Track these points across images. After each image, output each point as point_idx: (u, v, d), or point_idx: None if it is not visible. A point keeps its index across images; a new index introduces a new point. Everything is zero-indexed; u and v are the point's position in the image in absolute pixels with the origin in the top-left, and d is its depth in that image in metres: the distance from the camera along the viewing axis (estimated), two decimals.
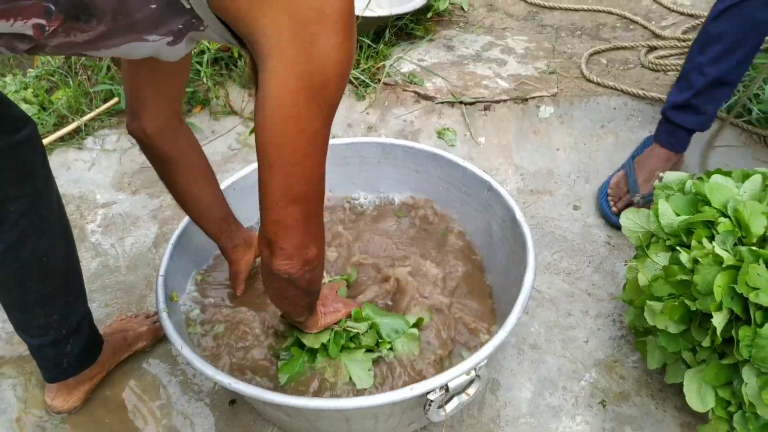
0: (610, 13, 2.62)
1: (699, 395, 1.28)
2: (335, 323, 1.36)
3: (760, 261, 1.20)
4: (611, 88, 2.14)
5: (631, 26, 2.57)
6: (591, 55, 2.37)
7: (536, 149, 2.07)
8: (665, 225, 1.38)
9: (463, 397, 1.30)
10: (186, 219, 1.53)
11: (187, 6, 0.82)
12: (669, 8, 2.66)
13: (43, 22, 0.76)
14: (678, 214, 1.39)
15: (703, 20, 2.53)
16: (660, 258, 1.36)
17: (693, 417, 1.43)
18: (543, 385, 1.52)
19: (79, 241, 1.87)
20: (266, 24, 0.81)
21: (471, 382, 1.28)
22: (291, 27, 0.81)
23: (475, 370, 1.23)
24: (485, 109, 2.11)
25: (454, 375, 1.20)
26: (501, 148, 2.07)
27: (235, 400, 1.51)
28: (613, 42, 2.45)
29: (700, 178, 1.44)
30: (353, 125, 2.14)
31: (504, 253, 1.57)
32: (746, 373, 1.18)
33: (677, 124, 1.79)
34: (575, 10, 2.66)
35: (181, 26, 0.86)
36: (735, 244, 1.27)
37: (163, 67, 1.10)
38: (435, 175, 1.68)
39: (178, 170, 1.31)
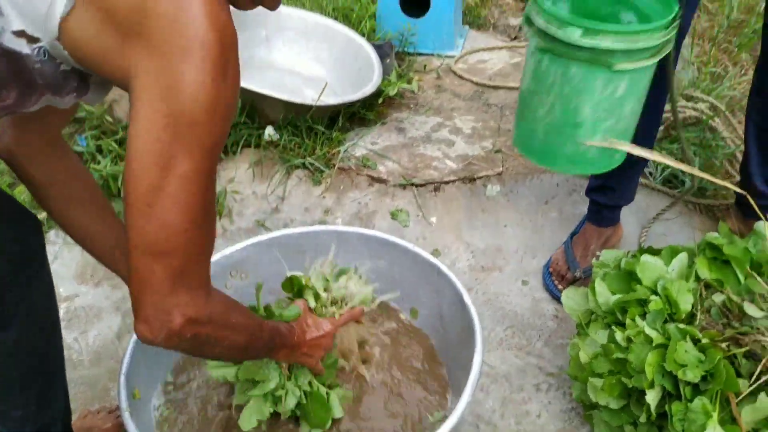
0: None
1: None
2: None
3: (687, 338, 1.29)
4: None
5: None
6: None
7: (485, 226, 2.17)
8: (602, 303, 1.47)
9: None
10: None
11: (68, 68, 0.88)
12: None
13: None
14: (613, 293, 1.48)
15: None
16: (599, 336, 1.44)
17: None
18: None
19: None
20: (129, 69, 0.81)
21: None
22: (156, 65, 0.79)
23: None
24: (435, 189, 2.21)
25: None
26: (452, 226, 2.17)
27: None
28: None
29: (634, 256, 1.54)
30: (310, 209, 2.21)
31: (455, 334, 1.63)
32: None
33: (599, 203, 1.93)
34: (518, 88, 2.81)
35: (75, 84, 0.92)
36: (665, 322, 1.36)
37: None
38: (388, 260, 1.75)
39: (50, 194, 1.22)
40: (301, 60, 2.82)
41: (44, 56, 0.85)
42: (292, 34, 2.83)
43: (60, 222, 1.27)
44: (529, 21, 1.50)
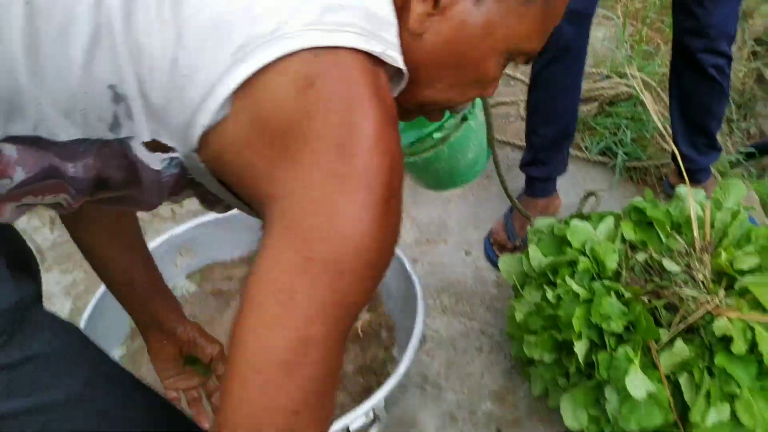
0: None
1: (574, 415, 1.43)
2: None
3: (611, 293, 1.38)
4: (495, 140, 2.34)
5: (512, 82, 2.82)
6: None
7: (430, 201, 2.24)
8: (535, 266, 1.56)
9: None
10: (98, 293, 1.59)
11: (191, 178, 0.71)
12: None
13: (67, 196, 0.70)
14: (546, 256, 1.57)
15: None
16: (532, 296, 1.53)
17: None
18: (444, 420, 1.65)
19: None
20: (276, 191, 0.61)
21: (372, 422, 1.40)
22: (305, 194, 0.60)
23: (373, 411, 1.34)
24: None
25: (354, 417, 1.31)
26: None
27: None
28: (496, 98, 2.67)
29: (566, 222, 1.63)
30: None
31: (401, 302, 1.70)
32: (608, 391, 1.34)
33: (532, 176, 2.02)
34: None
35: (192, 192, 0.77)
36: (592, 279, 1.45)
37: None
38: None
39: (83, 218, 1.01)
40: None
41: (176, 168, 0.68)
42: None
43: (81, 242, 1.05)
44: None
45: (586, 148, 2.38)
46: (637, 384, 1.25)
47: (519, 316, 1.53)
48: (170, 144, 0.65)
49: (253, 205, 0.68)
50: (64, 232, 1.20)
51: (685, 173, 1.63)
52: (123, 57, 0.61)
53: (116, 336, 1.66)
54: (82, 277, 2.01)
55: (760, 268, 1.39)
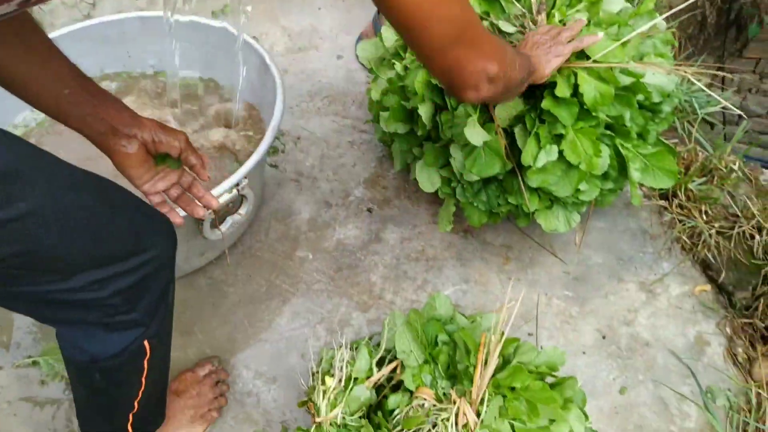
0: None
1: (428, 179, 1.54)
2: None
3: None
4: None
5: None
6: None
7: (300, 10, 2.22)
8: (389, 47, 1.60)
9: (237, 216, 1.49)
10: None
11: None
12: None
13: None
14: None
15: None
16: (386, 75, 1.58)
17: (438, 205, 1.71)
18: (319, 206, 1.75)
19: None
20: None
21: (240, 202, 1.47)
22: None
23: (237, 189, 1.41)
24: None
25: (217, 194, 1.37)
26: (267, 13, 2.20)
27: None
28: None
29: None
30: (124, 11, 2.16)
31: (270, 96, 1.72)
32: (453, 149, 1.44)
33: None
34: None
35: None
36: None
37: None
38: (193, 39, 1.78)
39: None
40: None
41: None
42: None
43: None
44: None
45: None
46: (475, 134, 1.34)
47: (375, 95, 1.59)
48: None
49: None
50: None
51: None
52: None
53: None
54: None
55: (589, 24, 1.47)
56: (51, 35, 1.66)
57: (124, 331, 0.98)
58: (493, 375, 1.17)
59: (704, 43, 4.33)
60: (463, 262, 1.64)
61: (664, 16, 1.48)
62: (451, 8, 0.86)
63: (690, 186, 1.67)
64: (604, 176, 1.46)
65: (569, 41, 1.33)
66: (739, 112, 1.61)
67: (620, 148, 1.44)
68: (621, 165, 1.45)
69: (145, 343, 1.00)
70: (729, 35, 4.08)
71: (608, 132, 1.43)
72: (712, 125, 2.15)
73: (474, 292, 1.58)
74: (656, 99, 1.47)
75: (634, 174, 1.42)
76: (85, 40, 1.75)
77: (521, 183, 1.42)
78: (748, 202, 1.62)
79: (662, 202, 1.69)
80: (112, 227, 0.90)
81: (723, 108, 1.95)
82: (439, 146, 1.49)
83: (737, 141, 1.81)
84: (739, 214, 1.62)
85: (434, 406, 1.18)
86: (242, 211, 1.48)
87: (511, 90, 1.09)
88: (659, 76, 1.47)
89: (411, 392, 1.22)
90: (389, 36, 1.61)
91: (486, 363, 1.16)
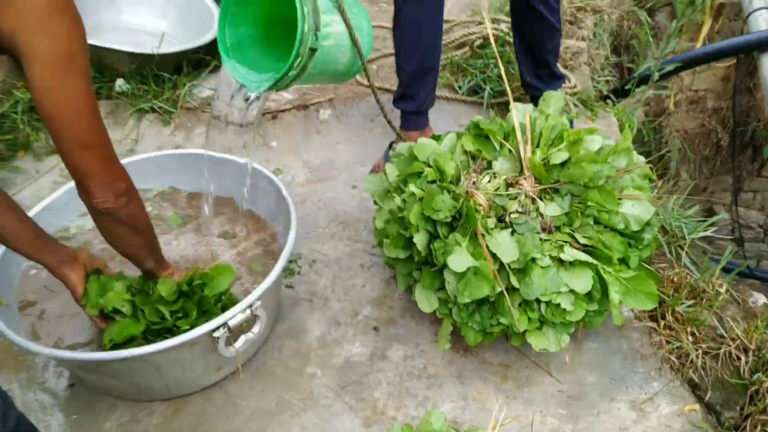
0: (383, 26, 3.04)
1: (426, 300, 1.67)
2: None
3: (444, 191, 1.61)
4: (378, 88, 2.56)
5: None
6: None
7: (320, 146, 2.45)
8: (392, 181, 1.78)
9: (250, 335, 1.62)
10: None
11: None
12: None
13: None
14: (400, 172, 1.79)
15: (456, 25, 3.03)
16: (389, 206, 1.75)
17: (440, 324, 1.82)
18: (329, 325, 1.87)
19: None
20: (15, 28, 1.08)
21: (254, 321, 1.61)
22: (35, 24, 1.08)
23: (251, 309, 1.55)
24: (273, 118, 2.47)
25: (232, 314, 1.52)
26: (291, 148, 2.43)
27: (74, 383, 1.75)
28: (383, 51, 2.88)
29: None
30: (163, 147, 2.42)
31: (284, 222, 1.89)
32: (447, 274, 1.57)
33: (404, 111, 2.24)
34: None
35: None
36: (433, 183, 1.68)
37: None
38: (224, 173, 2.00)
39: None
40: (148, 19, 2.98)
41: None
42: None
43: None
44: None
45: (459, 88, 2.61)
46: (459, 261, 1.48)
47: (380, 224, 1.76)
48: None
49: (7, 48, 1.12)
50: None
51: (531, 99, 1.87)
52: None
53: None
54: None
55: (569, 161, 1.64)
56: None
57: None
58: None
59: (721, 163, 4.48)
60: (463, 380, 1.72)
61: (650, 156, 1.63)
62: (88, 121, 1.18)
63: (678, 308, 1.76)
64: (589, 297, 1.57)
65: None
66: (726, 237, 1.73)
67: (602, 272, 1.56)
68: (604, 288, 1.56)
69: None
70: (745, 155, 4.24)
71: (591, 258, 1.56)
72: (706, 247, 2.25)
73: (472, 409, 1.65)
74: (635, 228, 1.60)
75: (614, 296, 1.53)
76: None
77: (509, 305, 1.54)
78: (733, 324, 1.69)
79: (652, 324, 1.77)
80: None
81: (714, 233, 2.06)
82: (435, 271, 1.62)
83: (726, 262, 1.90)
84: (726, 335, 1.70)
85: None
86: (255, 329, 1.62)
87: (139, 226, 1.42)
88: (636, 206, 1.61)
89: None
90: (392, 171, 1.79)
91: None
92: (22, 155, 2.46)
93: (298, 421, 1.64)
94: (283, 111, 2.49)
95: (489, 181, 1.69)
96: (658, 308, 1.79)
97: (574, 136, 1.67)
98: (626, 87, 2.84)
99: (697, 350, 1.67)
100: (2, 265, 1.71)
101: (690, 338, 1.70)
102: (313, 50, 1.64)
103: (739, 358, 1.65)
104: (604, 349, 1.77)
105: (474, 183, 1.69)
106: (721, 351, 1.66)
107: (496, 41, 2.70)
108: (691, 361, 1.66)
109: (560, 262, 1.56)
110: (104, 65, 2.56)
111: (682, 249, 1.94)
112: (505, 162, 1.71)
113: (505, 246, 1.56)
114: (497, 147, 1.75)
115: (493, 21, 2.83)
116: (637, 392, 1.66)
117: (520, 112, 1.75)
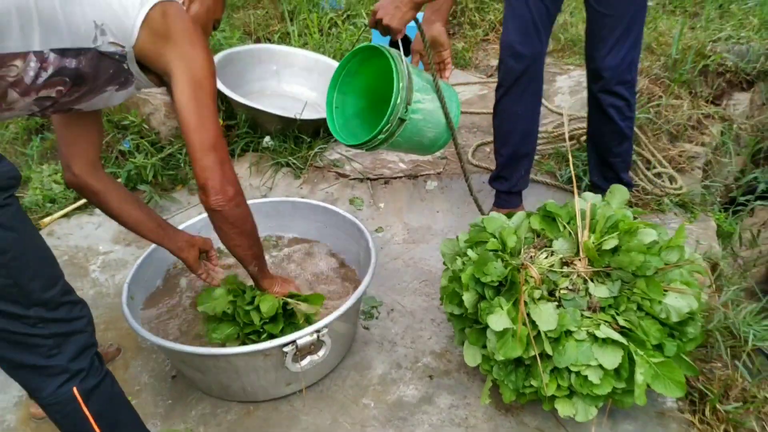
0: None
1: (472, 356, 1.84)
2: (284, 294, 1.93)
3: (498, 260, 1.80)
4: (483, 168, 2.80)
5: None
6: (478, 145, 3.05)
7: (421, 211, 2.72)
8: (461, 246, 2.00)
9: (315, 357, 1.88)
10: (146, 252, 2.19)
11: (126, 67, 1.47)
12: (551, 110, 3.37)
13: (62, 88, 1.38)
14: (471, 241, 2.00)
15: (573, 119, 3.22)
16: (454, 267, 1.96)
17: None
18: (391, 366, 2.08)
19: (82, 276, 2.54)
20: (169, 58, 1.46)
21: (320, 345, 1.87)
22: (181, 55, 1.45)
23: (318, 333, 1.81)
24: (385, 183, 2.78)
25: (301, 335, 1.79)
26: (395, 211, 2.72)
27: (175, 375, 2.11)
28: (482, 138, 3.13)
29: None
30: (290, 196, 2.82)
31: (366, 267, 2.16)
32: (488, 333, 1.75)
33: (498, 190, 2.45)
34: (477, 113, 3.38)
35: (123, 78, 1.49)
36: (494, 251, 1.87)
37: (85, 125, 1.71)
38: (326, 222, 2.32)
39: (103, 200, 1.81)
40: (302, 89, 3.47)
41: (120, 58, 1.44)
42: (297, 68, 3.49)
43: (114, 217, 1.87)
44: None
45: (561, 176, 2.78)
46: (497, 321, 1.66)
47: (444, 282, 1.97)
48: (121, 43, 1.42)
49: (151, 77, 1.53)
50: None
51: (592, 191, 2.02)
52: (99, 7, 1.37)
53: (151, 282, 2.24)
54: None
55: (618, 247, 1.77)
56: None
57: (52, 377, 1.35)
58: None
59: None
60: None
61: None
62: (213, 128, 1.49)
63: (719, 407, 1.78)
64: (617, 375, 1.66)
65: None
66: None
67: (633, 353, 1.65)
68: (633, 369, 1.65)
69: (75, 390, 1.37)
70: None
71: (624, 339, 1.67)
72: None
73: None
74: (675, 318, 1.69)
75: (639, 377, 1.62)
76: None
77: (539, 369, 1.68)
78: None
79: (691, 417, 1.80)
80: (57, 280, 1.36)
81: None
82: (480, 329, 1.80)
83: None
84: None
85: None
86: (320, 353, 1.87)
87: (246, 229, 1.69)
88: (680, 299, 1.70)
89: None
90: (463, 238, 2.01)
91: None
92: (179, 189, 2.97)
93: None
94: (395, 178, 2.79)
95: (546, 258, 1.86)
96: (699, 403, 1.82)
97: (627, 227, 1.80)
98: (731, 195, 2.84)
99: None
100: (141, 270, 2.13)
101: None
102: (402, 120, 1.92)
103: None
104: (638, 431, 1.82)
105: (531, 257, 1.86)
106: None
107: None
108: None
109: (595, 338, 1.68)
110: (257, 123, 3.04)
111: (741, 352, 1.95)
112: (564, 243, 1.87)
113: (546, 316, 1.70)
114: (561, 228, 1.92)
115: None
116: None
117: (587, 201, 1.92)
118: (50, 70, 1.32)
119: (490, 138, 3.08)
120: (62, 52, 1.32)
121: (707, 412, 1.79)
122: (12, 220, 1.23)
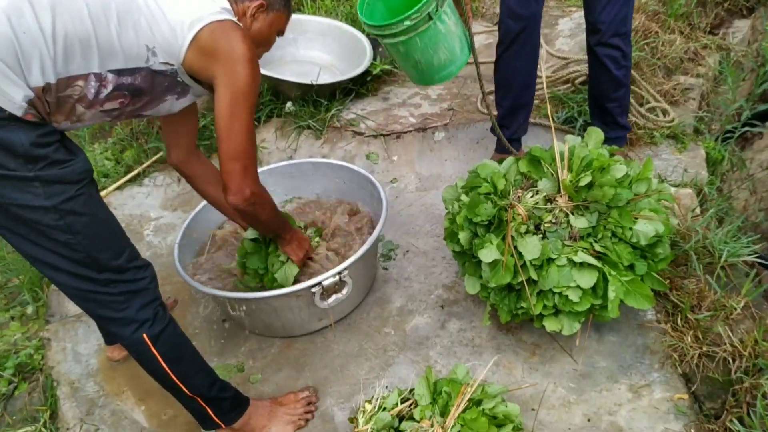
0: None
1: (471, 285, 2.11)
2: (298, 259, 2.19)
3: (488, 201, 2.05)
4: (487, 114, 3.01)
5: None
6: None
7: (431, 161, 2.96)
8: (460, 191, 2.25)
9: (339, 295, 2.18)
10: (190, 216, 2.50)
11: (180, 80, 1.67)
12: (552, 54, 3.53)
13: (123, 100, 1.60)
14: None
15: (571, 62, 3.38)
16: (454, 209, 2.22)
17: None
18: (408, 299, 2.38)
19: (138, 240, 2.88)
20: (213, 71, 1.61)
21: (342, 285, 2.16)
22: (224, 69, 1.60)
23: (340, 275, 2.11)
24: (397, 137, 3.03)
25: (325, 277, 2.09)
26: (407, 162, 2.97)
27: (225, 319, 2.45)
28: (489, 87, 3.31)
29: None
30: (313, 156, 3.09)
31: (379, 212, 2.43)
32: (483, 265, 2.02)
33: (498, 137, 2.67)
34: (482, 62, 3.56)
35: (179, 89, 1.71)
36: (487, 194, 2.12)
37: (179, 122, 1.98)
38: (344, 178, 2.60)
39: (199, 181, 2.13)
40: (319, 54, 3.70)
41: (171, 73, 1.64)
42: (312, 34, 3.71)
43: (204, 196, 2.20)
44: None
45: (558, 117, 2.97)
46: (487, 254, 1.92)
47: (446, 224, 2.23)
48: (170, 62, 1.60)
49: (206, 86, 1.70)
50: (183, 186, 2.16)
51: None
52: (151, 34, 1.56)
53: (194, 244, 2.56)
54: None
55: (592, 183, 2.00)
56: (260, 170, 2.57)
57: (125, 326, 1.66)
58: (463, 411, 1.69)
59: None
60: (499, 351, 2.14)
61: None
62: (241, 139, 1.66)
63: (690, 316, 2.03)
64: (594, 293, 1.92)
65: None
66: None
67: (607, 274, 1.91)
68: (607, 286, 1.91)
69: (144, 336, 1.67)
70: None
71: (598, 262, 1.92)
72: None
73: (501, 374, 2.07)
74: (643, 242, 1.92)
75: (611, 293, 1.87)
76: (275, 174, 2.66)
77: (527, 293, 1.95)
78: (731, 333, 1.94)
79: (666, 326, 2.06)
80: (124, 250, 1.65)
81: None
82: (476, 262, 2.07)
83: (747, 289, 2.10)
84: (728, 345, 1.94)
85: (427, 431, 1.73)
86: (344, 291, 2.17)
87: (260, 219, 1.89)
88: (648, 225, 1.94)
89: (417, 421, 1.78)
90: (460, 184, 2.26)
91: (458, 406, 1.70)
92: (213, 156, 3.26)
93: (369, 363, 2.17)
94: (405, 132, 3.04)
95: (532, 196, 2.10)
96: (673, 314, 2.07)
97: (600, 164, 2.03)
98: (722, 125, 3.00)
99: (695, 351, 1.94)
100: (187, 231, 2.45)
101: (693, 340, 1.97)
102: (429, 19, 2.07)
103: (733, 361, 1.90)
104: (621, 341, 2.09)
105: (519, 197, 2.11)
106: (718, 355, 1.92)
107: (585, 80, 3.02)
108: (690, 358, 1.94)
109: (574, 263, 1.93)
110: (279, 91, 3.30)
111: (714, 268, 2.18)
112: (547, 182, 2.11)
113: (531, 247, 1.96)
114: (545, 170, 2.15)
115: None
116: (638, 379, 1.97)
117: (567, 143, 2.14)
118: (110, 87, 1.54)
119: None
120: (119, 72, 1.54)
121: (679, 321, 2.04)
122: (83, 207, 1.53)
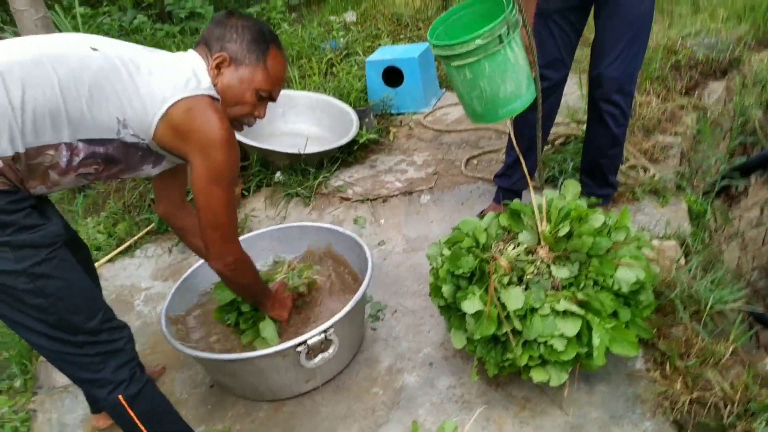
0: (488, 129, 3.60)
1: (458, 339, 2.10)
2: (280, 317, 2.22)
3: (470, 255, 2.07)
4: (473, 177, 3.07)
5: (503, 135, 3.53)
6: (468, 159, 3.33)
7: (417, 223, 2.99)
8: (442, 248, 2.27)
9: (325, 354, 2.16)
10: (176, 284, 2.51)
11: (153, 150, 1.68)
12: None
13: (97, 167, 1.61)
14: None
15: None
16: (438, 265, 2.23)
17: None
18: (397, 358, 2.35)
19: (128, 310, 2.87)
20: (187, 151, 1.63)
21: (329, 344, 2.15)
22: (199, 151, 1.62)
23: (325, 334, 2.10)
24: (384, 201, 3.07)
25: (310, 336, 2.07)
26: (394, 225, 3.01)
27: (213, 384, 2.41)
28: (486, 148, 3.40)
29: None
30: (302, 221, 3.12)
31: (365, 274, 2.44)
32: (467, 317, 2.01)
33: (502, 187, 2.71)
34: (465, 130, 3.66)
35: (154, 158, 1.74)
36: (469, 248, 2.14)
37: (168, 176, 1.97)
38: (331, 240, 2.62)
39: (187, 233, 2.12)
40: (307, 126, 3.81)
41: (144, 148, 1.66)
42: (301, 108, 3.83)
43: (190, 247, 2.18)
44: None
45: (540, 177, 3.03)
46: (470, 305, 1.92)
47: (431, 279, 2.24)
48: (141, 136, 1.62)
49: (180, 158, 1.72)
50: (174, 256, 2.18)
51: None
52: (121, 106, 1.57)
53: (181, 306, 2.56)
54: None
55: (570, 233, 2.02)
56: (249, 235, 2.60)
57: (102, 387, 1.66)
58: None
59: None
60: (489, 407, 2.09)
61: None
62: (220, 213, 1.71)
63: (678, 363, 2.00)
64: (579, 341, 1.91)
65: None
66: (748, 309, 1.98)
67: (590, 321, 1.90)
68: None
69: (120, 397, 1.66)
70: None
71: (581, 310, 1.91)
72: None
73: (491, 429, 2.02)
74: (624, 289, 1.93)
75: (596, 340, 1.86)
76: (265, 238, 2.68)
77: (512, 344, 1.93)
78: (720, 379, 1.91)
79: (655, 375, 2.03)
80: (97, 312, 1.65)
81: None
82: (460, 315, 2.06)
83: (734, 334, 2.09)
84: (719, 390, 1.91)
85: None
86: (330, 350, 2.16)
87: (241, 284, 1.97)
88: (629, 272, 1.94)
89: None
90: (443, 240, 2.28)
91: None
92: None
93: (358, 425, 2.12)
94: (392, 196, 3.09)
95: (513, 248, 2.12)
96: (661, 362, 2.05)
97: (578, 214, 2.06)
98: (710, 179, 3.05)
99: (686, 397, 1.91)
100: (174, 299, 2.45)
101: (683, 387, 1.94)
102: (500, 41, 2.06)
103: (725, 407, 1.86)
104: (611, 392, 2.05)
105: (500, 250, 2.13)
106: (710, 400, 1.89)
107: (565, 140, 3.10)
108: (681, 405, 1.90)
109: (557, 312, 1.93)
110: (268, 161, 3.37)
111: (700, 315, 2.17)
112: (527, 234, 2.13)
113: (514, 297, 1.96)
114: (525, 223, 2.18)
115: (579, 122, 3.23)
116: (630, 428, 1.93)
117: (545, 196, 2.18)
118: (81, 155, 1.56)
119: (478, 151, 3.37)
120: (89, 141, 1.55)
121: (668, 369, 2.02)
122: (54, 270, 1.54)
